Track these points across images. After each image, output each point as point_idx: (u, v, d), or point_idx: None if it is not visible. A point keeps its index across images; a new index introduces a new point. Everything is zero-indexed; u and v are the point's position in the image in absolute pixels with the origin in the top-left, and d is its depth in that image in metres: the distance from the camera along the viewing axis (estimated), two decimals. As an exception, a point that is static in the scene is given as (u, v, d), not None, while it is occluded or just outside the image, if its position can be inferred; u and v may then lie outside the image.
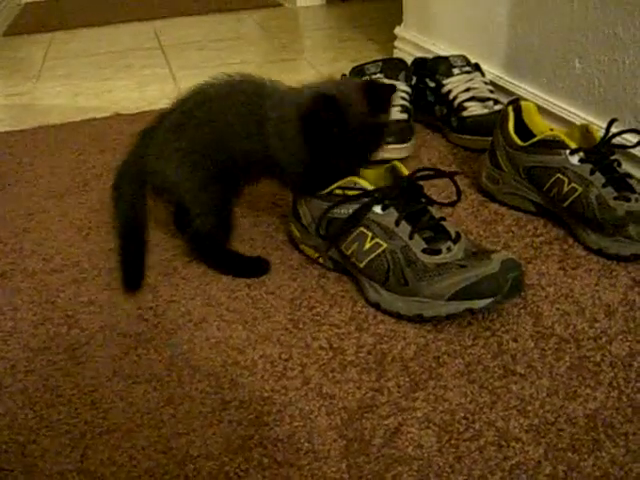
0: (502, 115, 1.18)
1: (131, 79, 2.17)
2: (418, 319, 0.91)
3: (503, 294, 0.86)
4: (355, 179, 0.98)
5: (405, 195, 0.96)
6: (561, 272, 1.01)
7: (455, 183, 0.98)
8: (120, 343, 0.92)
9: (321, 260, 1.05)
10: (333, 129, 0.94)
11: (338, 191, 0.99)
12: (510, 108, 1.18)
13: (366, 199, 0.96)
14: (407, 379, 0.83)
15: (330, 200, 0.99)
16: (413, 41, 1.97)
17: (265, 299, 1.00)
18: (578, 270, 1.01)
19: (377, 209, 0.95)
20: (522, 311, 0.93)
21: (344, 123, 0.94)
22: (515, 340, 0.88)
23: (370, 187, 0.97)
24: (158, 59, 2.38)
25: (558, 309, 0.93)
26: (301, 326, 0.93)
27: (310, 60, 2.26)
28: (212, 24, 2.86)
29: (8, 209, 1.32)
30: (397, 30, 2.09)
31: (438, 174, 0.97)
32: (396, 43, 2.10)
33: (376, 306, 0.95)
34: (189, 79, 2.08)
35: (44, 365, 0.89)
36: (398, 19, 2.10)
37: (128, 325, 0.96)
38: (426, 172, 0.97)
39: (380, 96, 0.97)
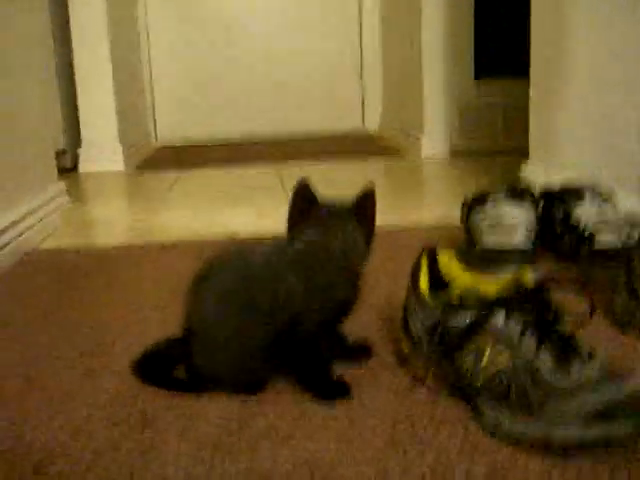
0: (643, 236, 1.06)
1: (249, 211, 2.18)
2: (542, 445, 0.75)
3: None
4: (475, 286, 0.87)
5: (532, 304, 0.83)
6: None
7: (588, 297, 0.85)
8: (194, 449, 0.81)
9: (430, 380, 0.93)
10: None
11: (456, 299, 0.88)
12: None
13: (486, 307, 0.84)
14: (528, 519, 0.67)
15: (446, 309, 0.88)
16: (539, 176, 1.89)
17: (363, 419, 0.87)
18: None
19: (498, 319, 0.83)
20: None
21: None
22: (666, 484, 0.71)
23: (491, 294, 0.85)
24: (278, 195, 2.40)
25: None
26: (402, 449, 0.80)
27: (430, 204, 2.21)
28: (334, 169, 2.89)
29: (109, 314, 1.28)
30: (523, 168, 2.02)
31: (569, 289, 0.85)
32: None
33: (493, 431, 0.81)
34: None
35: (108, 464, 0.79)
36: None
37: (207, 434, 0.85)
38: (556, 284, 0.85)
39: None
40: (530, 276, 0.87)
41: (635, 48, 1.50)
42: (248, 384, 0.95)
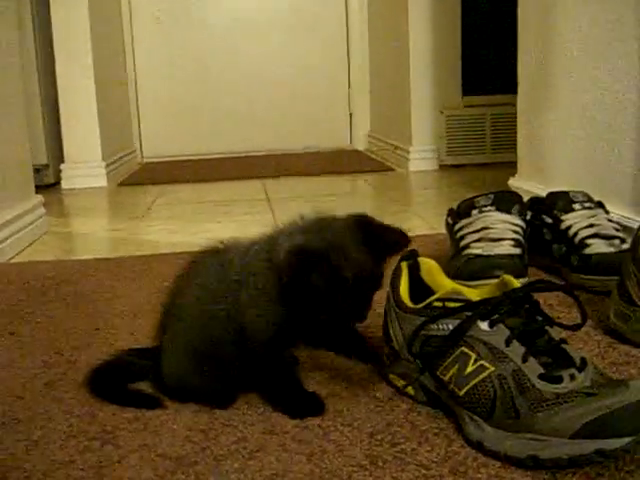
0: (634, 239, 1.01)
1: (231, 222, 2.13)
2: (531, 462, 0.70)
3: (648, 432, 0.65)
4: (458, 289, 0.82)
5: (518, 310, 0.78)
6: None
7: (578, 300, 0.80)
8: (156, 465, 0.75)
9: (411, 391, 0.87)
10: (322, 289, 0.79)
11: (437, 303, 0.82)
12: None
13: (470, 313, 0.79)
14: (516, 539, 0.61)
15: (427, 314, 0.83)
16: (527, 189, 1.84)
17: (339, 431, 0.81)
18: None
19: (483, 325, 0.78)
20: (673, 464, 0.71)
21: (335, 280, 0.79)
22: (665, 502, 0.66)
23: (475, 299, 0.80)
24: (262, 207, 2.35)
25: None
26: (380, 464, 0.74)
27: (419, 213, 2.16)
28: (323, 183, 2.86)
29: (76, 323, 1.22)
30: (511, 181, 1.98)
31: (557, 287, 0.80)
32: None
33: (477, 445, 0.75)
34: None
35: (62, 479, 0.73)
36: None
37: (171, 446, 0.79)
38: (544, 284, 0.80)
39: (379, 237, 0.85)
40: (517, 282, 0.82)
41: (624, 63, 1.46)
42: (217, 396, 0.88)
